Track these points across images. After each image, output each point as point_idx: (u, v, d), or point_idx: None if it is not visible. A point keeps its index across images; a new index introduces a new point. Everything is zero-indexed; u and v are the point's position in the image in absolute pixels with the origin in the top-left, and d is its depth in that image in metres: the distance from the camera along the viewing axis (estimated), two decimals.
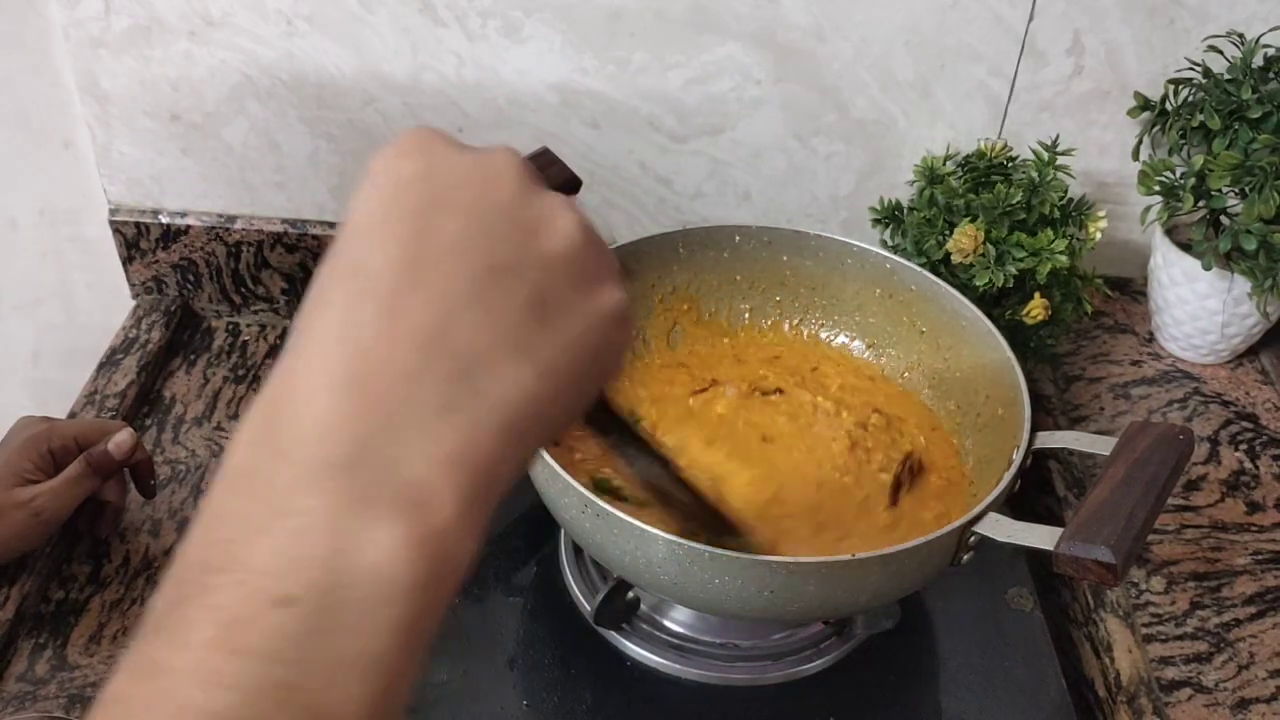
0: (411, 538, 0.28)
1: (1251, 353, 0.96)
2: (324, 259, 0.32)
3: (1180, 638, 0.73)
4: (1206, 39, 0.87)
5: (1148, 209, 0.89)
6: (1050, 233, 0.81)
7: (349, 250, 0.32)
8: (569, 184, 0.79)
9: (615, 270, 0.35)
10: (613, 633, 0.71)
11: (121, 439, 0.75)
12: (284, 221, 0.98)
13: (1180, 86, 0.88)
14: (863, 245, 0.79)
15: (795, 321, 0.83)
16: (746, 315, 0.83)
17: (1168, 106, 0.89)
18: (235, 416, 0.91)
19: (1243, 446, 0.87)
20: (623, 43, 0.88)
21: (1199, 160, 0.83)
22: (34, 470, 0.73)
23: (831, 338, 0.83)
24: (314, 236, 0.97)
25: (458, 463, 0.29)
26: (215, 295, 1.01)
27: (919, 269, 0.77)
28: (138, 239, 0.98)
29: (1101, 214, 0.85)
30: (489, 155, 0.34)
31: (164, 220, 0.98)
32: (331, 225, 0.97)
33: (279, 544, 0.27)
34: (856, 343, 0.82)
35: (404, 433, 0.29)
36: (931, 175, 0.89)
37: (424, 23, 0.87)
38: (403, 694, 0.29)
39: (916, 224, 0.86)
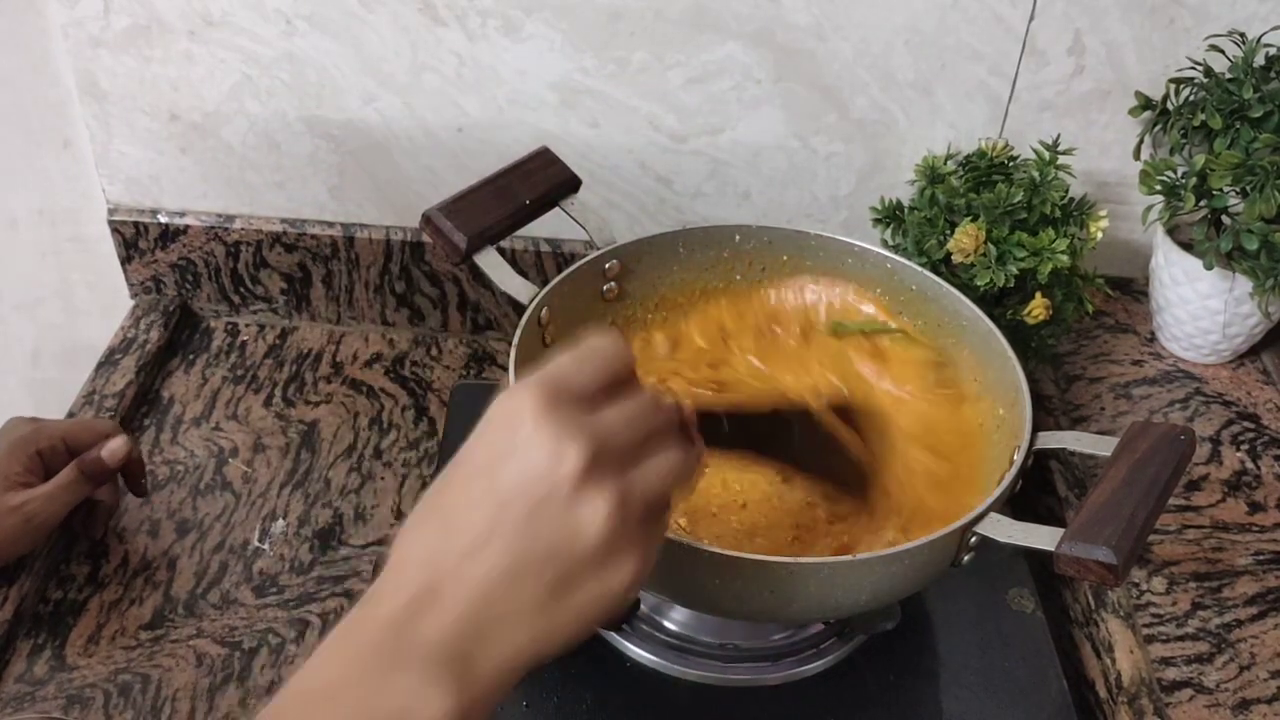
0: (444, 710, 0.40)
1: (1253, 353, 0.96)
2: (452, 463, 0.44)
3: (1181, 638, 0.72)
4: (1207, 38, 0.87)
5: (1149, 208, 0.89)
6: (1051, 232, 0.81)
7: (448, 490, 0.44)
8: (569, 184, 0.80)
9: (640, 537, 0.43)
10: (612, 633, 0.71)
11: (115, 446, 0.75)
12: (283, 221, 0.98)
13: (1181, 86, 0.88)
14: (863, 245, 0.79)
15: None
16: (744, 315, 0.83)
17: (1169, 106, 0.88)
18: (234, 416, 0.91)
19: (1244, 447, 0.87)
20: (623, 42, 0.88)
21: (1200, 160, 0.83)
22: (23, 473, 0.72)
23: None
24: (313, 236, 0.97)
25: (464, 681, 0.41)
26: (214, 295, 1.01)
27: (920, 269, 0.77)
28: (136, 239, 0.98)
29: (1103, 214, 0.85)
30: (557, 449, 0.41)
31: (163, 220, 0.98)
32: (330, 225, 0.97)
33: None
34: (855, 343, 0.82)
35: (440, 649, 0.41)
36: (932, 175, 0.88)
37: (424, 22, 0.87)
38: None
39: (917, 224, 0.86)
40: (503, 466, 0.42)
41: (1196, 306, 0.90)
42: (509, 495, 0.41)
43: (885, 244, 0.91)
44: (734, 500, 0.70)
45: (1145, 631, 0.73)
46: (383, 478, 0.87)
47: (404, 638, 0.41)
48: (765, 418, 0.68)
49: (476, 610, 0.41)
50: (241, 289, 1.00)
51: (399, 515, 0.84)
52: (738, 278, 0.82)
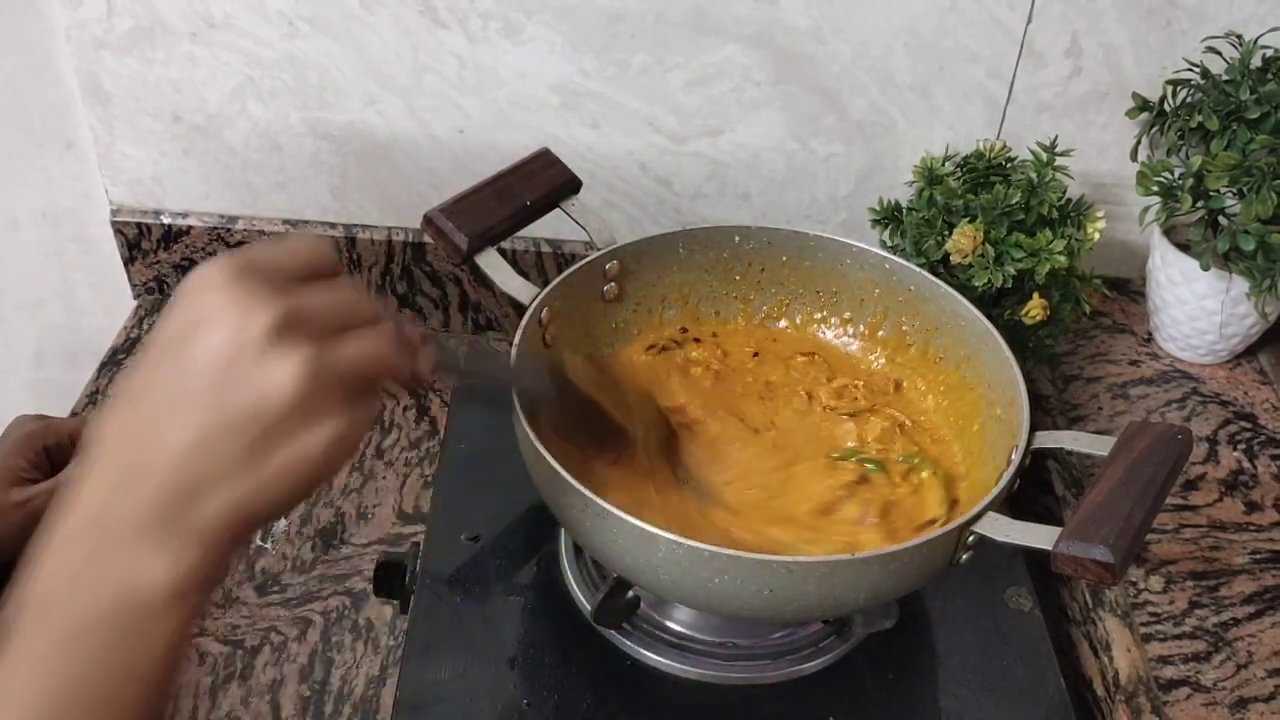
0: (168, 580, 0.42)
1: (1250, 353, 0.96)
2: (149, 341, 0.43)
3: (1179, 637, 0.73)
4: (1204, 40, 0.87)
5: (1146, 209, 0.90)
6: (1049, 233, 0.82)
7: (138, 372, 0.43)
8: (569, 185, 0.80)
9: (337, 403, 0.43)
10: (613, 632, 0.72)
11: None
12: (285, 222, 0.98)
13: (1178, 87, 0.88)
14: (862, 246, 0.79)
15: (795, 321, 0.84)
16: (745, 316, 0.84)
17: (1166, 107, 0.89)
18: None
19: (1241, 446, 0.87)
20: (623, 44, 0.88)
21: (1197, 161, 0.84)
22: (30, 469, 0.73)
23: (830, 337, 0.83)
24: (315, 237, 0.97)
25: (178, 547, 0.42)
26: None
27: (918, 269, 0.77)
28: (139, 240, 0.98)
29: (1100, 214, 0.86)
30: (244, 315, 0.41)
31: (165, 221, 0.98)
32: (332, 226, 0.98)
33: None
34: (855, 343, 0.82)
35: (147, 523, 0.42)
36: (930, 176, 0.89)
37: (425, 24, 0.87)
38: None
39: (915, 224, 0.87)
40: (190, 336, 0.42)
41: (1193, 307, 0.91)
42: (198, 362, 0.41)
43: (884, 245, 0.91)
44: None
45: (1143, 630, 0.73)
46: (384, 477, 0.87)
47: (109, 519, 0.42)
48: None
49: (176, 477, 0.41)
50: None
51: (401, 514, 0.84)
52: (737, 278, 0.82)
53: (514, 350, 0.67)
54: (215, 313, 0.41)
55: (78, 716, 0.41)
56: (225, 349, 0.41)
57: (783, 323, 0.84)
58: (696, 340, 0.81)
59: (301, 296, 0.43)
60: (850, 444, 0.74)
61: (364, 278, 0.99)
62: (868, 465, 0.72)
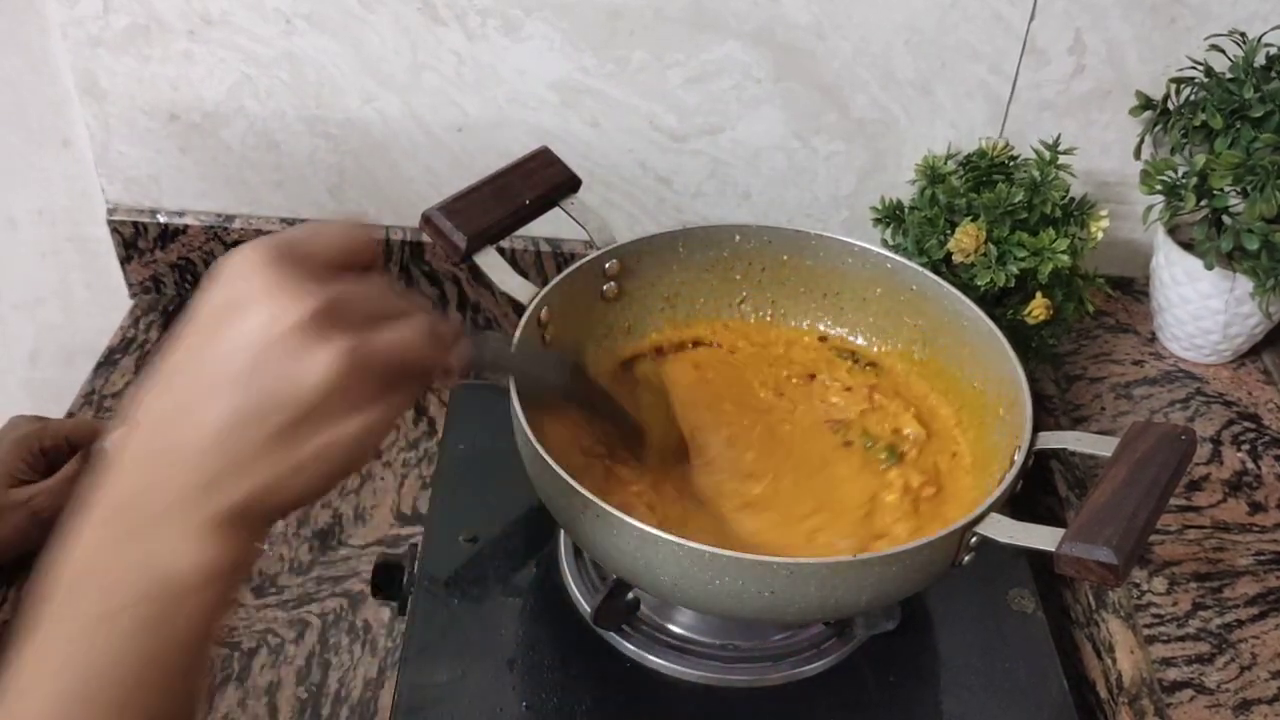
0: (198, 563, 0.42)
1: (1254, 352, 0.96)
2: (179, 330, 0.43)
3: (1182, 638, 0.72)
4: (1208, 38, 0.87)
5: (1149, 208, 0.89)
6: (1052, 232, 0.81)
7: (171, 354, 0.43)
8: (569, 183, 0.80)
9: (369, 393, 0.43)
10: (612, 634, 0.71)
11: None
12: (282, 221, 0.98)
13: (1182, 85, 0.88)
14: (863, 245, 0.79)
15: (795, 321, 0.83)
16: (745, 315, 0.83)
17: (1169, 105, 0.88)
18: None
19: (1245, 447, 0.87)
20: (622, 41, 0.88)
21: (1201, 159, 0.83)
22: (28, 470, 0.73)
23: (831, 338, 0.83)
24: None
25: (206, 531, 0.42)
26: None
27: (920, 269, 0.77)
28: (136, 238, 0.98)
29: (1103, 213, 0.85)
30: (281, 302, 0.41)
31: (162, 220, 0.98)
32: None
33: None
34: (857, 343, 0.82)
35: (177, 506, 0.42)
36: (933, 174, 0.88)
37: (423, 21, 0.87)
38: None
39: (917, 223, 0.86)
40: (227, 319, 0.41)
41: (1197, 306, 0.90)
42: (234, 346, 0.41)
43: (885, 244, 0.91)
44: None
45: (1146, 632, 0.73)
46: (382, 478, 0.86)
47: (140, 501, 0.42)
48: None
49: (207, 460, 0.41)
50: None
51: (399, 515, 0.84)
52: (738, 277, 0.81)
53: (514, 350, 0.67)
54: (253, 297, 0.41)
55: (106, 700, 0.41)
56: (262, 335, 0.41)
57: (783, 322, 0.83)
58: (695, 344, 0.81)
59: (339, 285, 0.42)
60: (849, 442, 0.74)
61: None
62: (880, 456, 0.72)
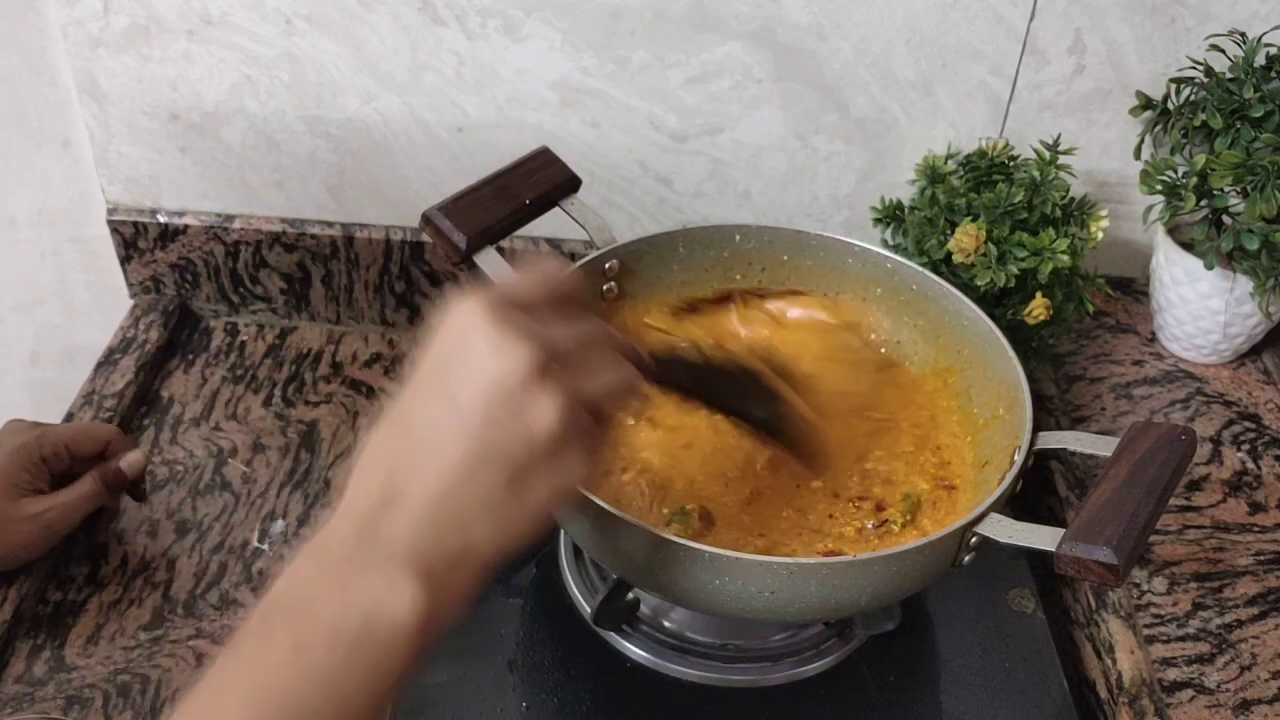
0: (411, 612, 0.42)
1: (1254, 353, 0.96)
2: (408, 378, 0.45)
3: (1182, 639, 0.72)
4: (1208, 38, 0.87)
5: (1149, 208, 0.89)
6: (1052, 232, 0.81)
7: (405, 398, 0.45)
8: (569, 183, 0.80)
9: (587, 430, 0.45)
10: (612, 634, 0.71)
11: (134, 459, 0.77)
12: (282, 221, 0.97)
13: (1182, 85, 0.88)
14: (863, 245, 0.79)
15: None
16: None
17: (1169, 105, 0.88)
18: (233, 416, 0.91)
19: (1245, 447, 0.87)
20: (623, 41, 0.88)
21: (1201, 159, 0.83)
22: (31, 480, 0.73)
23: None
24: (312, 236, 0.97)
25: (433, 576, 0.43)
26: (213, 295, 1.01)
27: (920, 269, 0.77)
28: (136, 239, 0.98)
29: (1103, 213, 0.85)
30: (504, 353, 0.43)
31: (162, 220, 0.97)
32: (330, 224, 0.97)
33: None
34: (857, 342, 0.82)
35: (409, 547, 0.43)
36: (933, 174, 0.88)
37: (423, 21, 0.87)
38: None
39: (917, 223, 0.86)
40: (456, 372, 0.43)
41: (1197, 306, 0.90)
42: (465, 398, 0.43)
43: (885, 244, 0.91)
44: (678, 441, 0.71)
45: (1146, 632, 0.73)
46: None
47: (368, 541, 0.43)
48: (720, 376, 0.66)
49: (437, 507, 0.43)
50: (241, 289, 1.00)
51: None
52: (738, 278, 0.81)
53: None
54: (477, 351, 0.43)
55: None
56: (493, 387, 0.42)
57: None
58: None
59: (555, 331, 0.45)
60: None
61: (361, 277, 0.99)
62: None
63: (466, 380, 0.43)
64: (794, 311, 0.81)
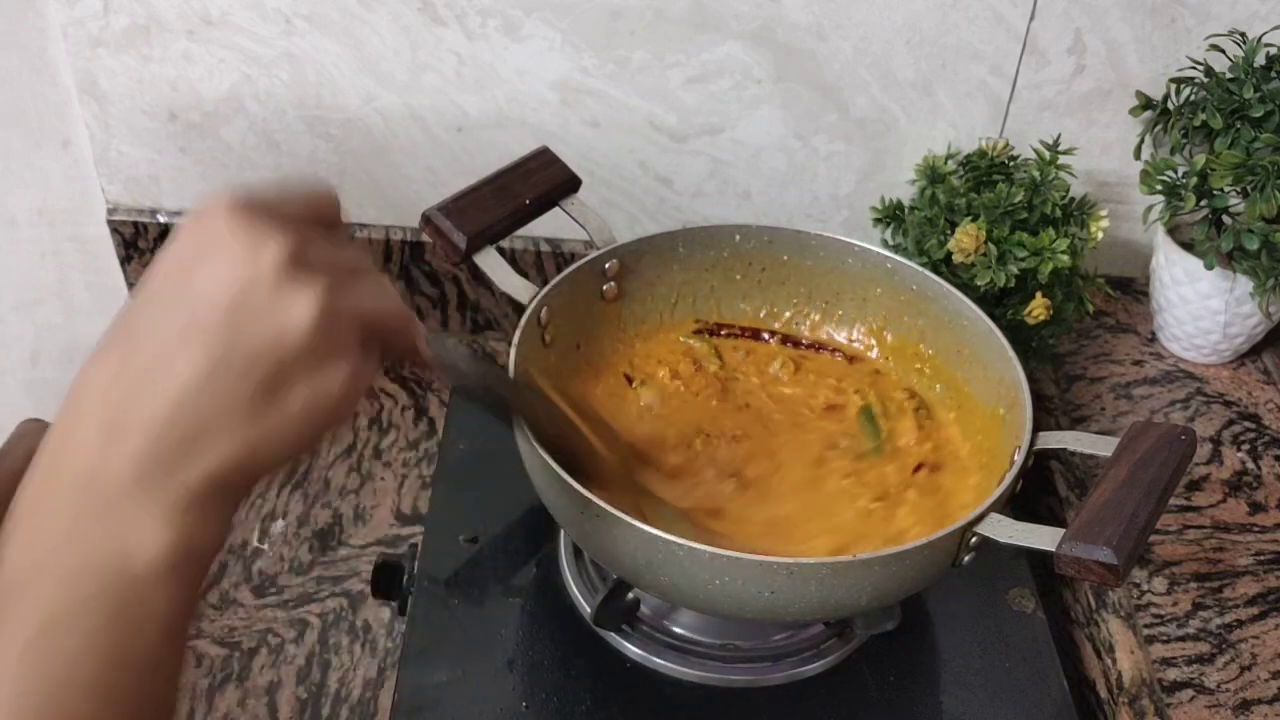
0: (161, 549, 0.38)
1: (1254, 353, 0.96)
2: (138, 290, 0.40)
3: (1182, 639, 0.72)
4: (1208, 38, 0.87)
5: (1149, 208, 0.89)
6: (1052, 232, 0.81)
7: (132, 312, 0.39)
8: (569, 183, 0.79)
9: (350, 344, 0.40)
10: (612, 634, 0.71)
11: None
12: None
13: (1182, 85, 0.88)
14: (863, 245, 0.79)
15: (795, 321, 0.83)
16: (745, 315, 0.83)
17: (1169, 106, 0.88)
18: None
19: (1245, 447, 0.87)
20: (623, 41, 0.88)
21: (1201, 159, 0.83)
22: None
23: (832, 337, 0.83)
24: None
25: (174, 508, 0.38)
26: None
27: (920, 269, 0.77)
28: (136, 238, 0.98)
29: (1103, 213, 0.85)
30: (254, 245, 0.37)
31: (162, 220, 0.97)
32: None
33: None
34: (857, 343, 0.82)
35: (140, 482, 0.37)
36: (933, 174, 0.88)
37: (423, 21, 0.87)
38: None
39: (917, 223, 0.86)
40: (194, 269, 0.38)
41: (1197, 306, 0.90)
42: (203, 295, 0.37)
43: (885, 244, 0.91)
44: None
45: (1146, 632, 0.73)
46: (382, 478, 0.86)
47: (96, 482, 0.37)
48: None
49: (174, 425, 0.37)
50: None
51: (399, 515, 0.84)
52: (738, 277, 0.81)
53: (513, 350, 0.67)
54: (222, 243, 0.37)
55: (70, 713, 0.36)
56: (235, 281, 0.37)
57: (783, 322, 0.83)
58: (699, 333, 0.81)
59: (318, 245, 0.40)
60: (844, 443, 0.74)
61: None
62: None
63: (207, 275, 0.37)
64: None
